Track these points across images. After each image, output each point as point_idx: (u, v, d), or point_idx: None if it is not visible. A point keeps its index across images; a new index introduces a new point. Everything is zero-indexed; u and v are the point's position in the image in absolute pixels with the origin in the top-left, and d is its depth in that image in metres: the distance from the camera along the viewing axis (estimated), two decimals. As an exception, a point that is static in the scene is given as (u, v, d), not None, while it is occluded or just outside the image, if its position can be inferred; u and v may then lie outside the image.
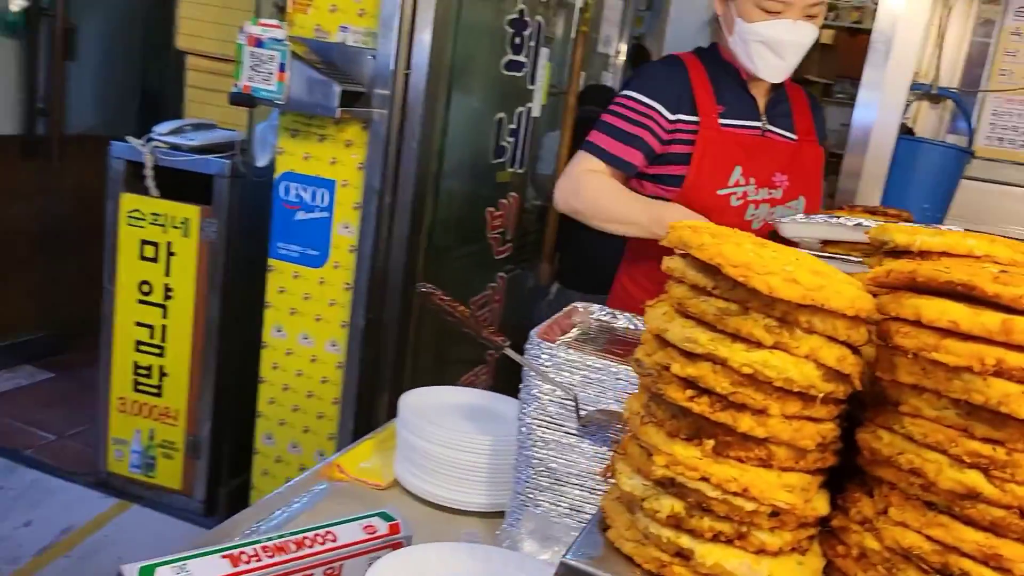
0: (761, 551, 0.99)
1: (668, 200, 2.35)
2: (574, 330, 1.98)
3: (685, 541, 1.00)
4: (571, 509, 1.76)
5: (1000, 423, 0.89)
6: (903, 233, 1.18)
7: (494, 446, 1.94)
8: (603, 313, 2.09)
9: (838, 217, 2.00)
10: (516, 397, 2.13)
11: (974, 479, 0.89)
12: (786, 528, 1.00)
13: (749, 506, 0.97)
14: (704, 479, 0.98)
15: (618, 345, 1.96)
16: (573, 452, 1.73)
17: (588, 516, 1.75)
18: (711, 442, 0.99)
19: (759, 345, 0.96)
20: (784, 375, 0.95)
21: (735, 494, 0.97)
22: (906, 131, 3.12)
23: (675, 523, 1.01)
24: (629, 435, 1.10)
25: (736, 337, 0.97)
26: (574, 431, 1.73)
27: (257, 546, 1.52)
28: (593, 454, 1.72)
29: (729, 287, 0.98)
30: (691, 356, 1.00)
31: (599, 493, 1.73)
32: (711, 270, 0.99)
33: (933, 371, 0.93)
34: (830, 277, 0.98)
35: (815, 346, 0.96)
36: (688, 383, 1.00)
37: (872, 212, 2.22)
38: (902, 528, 0.94)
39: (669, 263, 1.06)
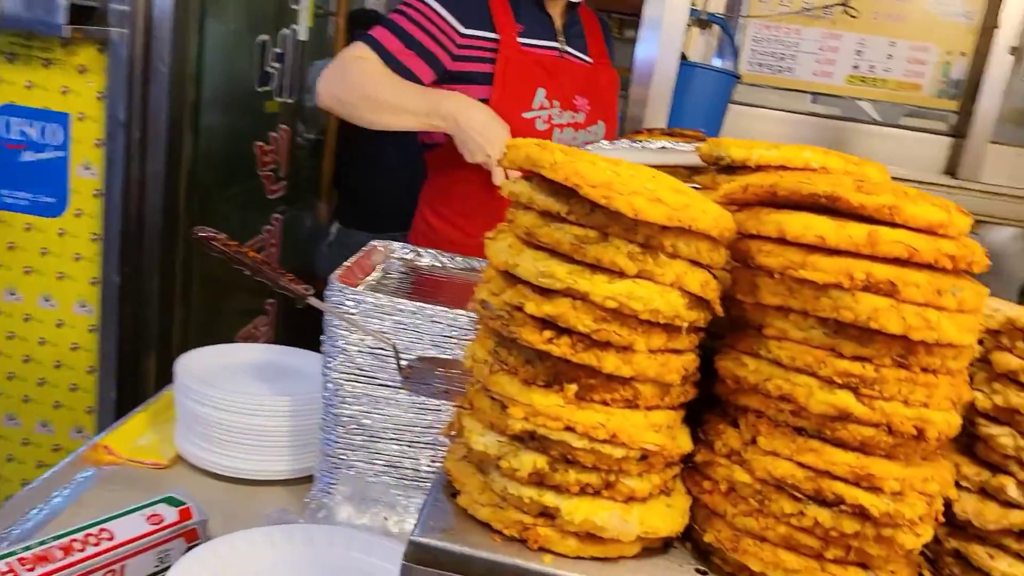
0: (631, 499, 0.91)
1: None
2: (376, 272, 1.80)
3: (549, 499, 0.89)
4: (388, 466, 1.61)
5: (868, 340, 0.85)
6: (739, 147, 1.13)
7: (293, 406, 1.73)
8: (405, 251, 1.93)
9: (641, 141, 1.97)
10: (313, 350, 1.93)
11: (845, 400, 0.85)
12: (654, 471, 0.92)
13: (618, 452, 0.87)
14: (569, 428, 0.87)
15: (427, 285, 1.81)
16: (388, 405, 1.57)
17: (407, 472, 1.61)
18: (573, 387, 0.88)
19: (622, 275, 0.86)
20: (650, 306, 0.85)
21: (603, 441, 0.87)
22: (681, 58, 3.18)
23: (537, 480, 0.89)
24: (476, 387, 0.96)
25: (597, 268, 0.86)
26: (388, 383, 1.57)
27: (12, 560, 1.23)
28: (410, 405, 1.58)
29: (586, 211, 0.86)
30: (547, 293, 0.87)
31: (418, 447, 1.60)
32: (564, 193, 0.86)
33: (799, 290, 0.87)
34: (693, 196, 0.88)
35: (680, 272, 0.87)
36: (545, 323, 0.87)
37: (669, 134, 2.22)
38: (773, 457, 0.89)
39: (512, 187, 0.92)
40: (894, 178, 3.50)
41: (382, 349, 1.53)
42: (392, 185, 3.79)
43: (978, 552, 0.93)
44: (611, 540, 0.90)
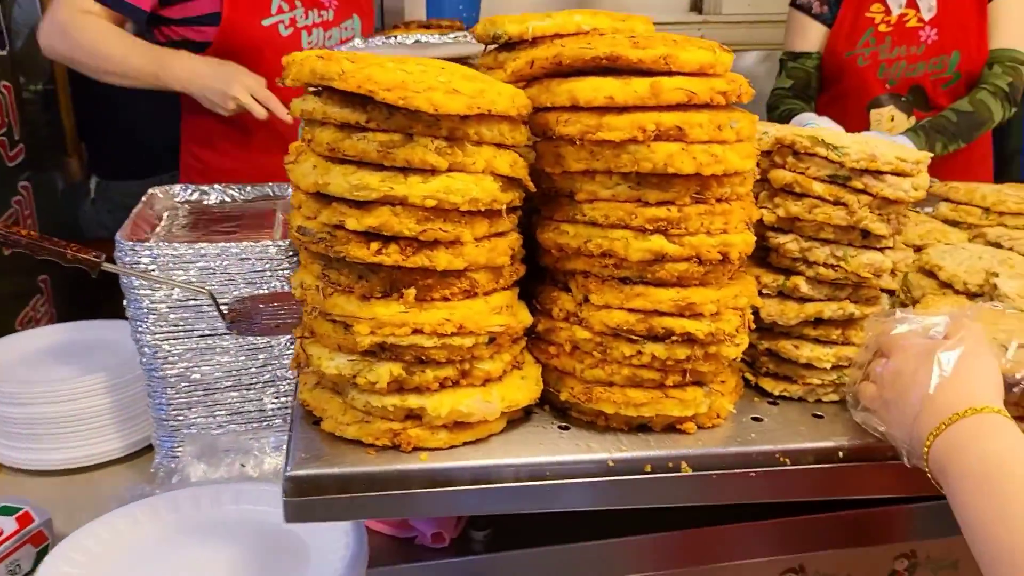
0: (487, 380, 0.95)
1: (207, 45, 2.06)
2: (163, 221, 1.69)
3: (413, 401, 0.91)
4: (231, 415, 1.57)
5: (668, 184, 0.92)
6: (513, 22, 1.14)
7: (110, 381, 1.62)
8: (189, 192, 1.81)
9: (395, 36, 1.93)
10: (110, 317, 1.80)
11: (658, 243, 0.93)
12: (504, 350, 0.96)
13: (468, 342, 0.90)
14: (417, 331, 0.88)
15: (222, 223, 1.72)
16: (215, 354, 1.51)
17: (253, 415, 1.58)
18: (412, 291, 0.89)
19: (434, 172, 0.86)
20: (469, 196, 0.87)
21: (452, 335, 0.89)
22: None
23: (397, 387, 0.91)
24: (313, 314, 0.95)
25: (408, 170, 0.86)
26: (209, 332, 1.50)
27: None
28: (238, 349, 1.52)
29: (385, 116, 0.85)
30: (364, 205, 0.86)
31: (257, 388, 1.56)
32: (359, 101, 0.85)
33: (600, 151, 0.92)
34: (486, 80, 0.89)
35: (488, 157, 0.89)
36: (369, 235, 0.87)
37: (426, 27, 2.19)
38: (606, 310, 0.96)
39: (303, 105, 0.89)
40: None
41: (194, 300, 1.45)
42: (146, 125, 3.46)
43: (785, 346, 1.07)
44: (479, 423, 0.94)
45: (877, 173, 1.00)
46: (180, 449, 1.54)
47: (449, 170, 0.87)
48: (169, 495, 1.20)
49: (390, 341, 0.89)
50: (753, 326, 1.05)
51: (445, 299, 0.91)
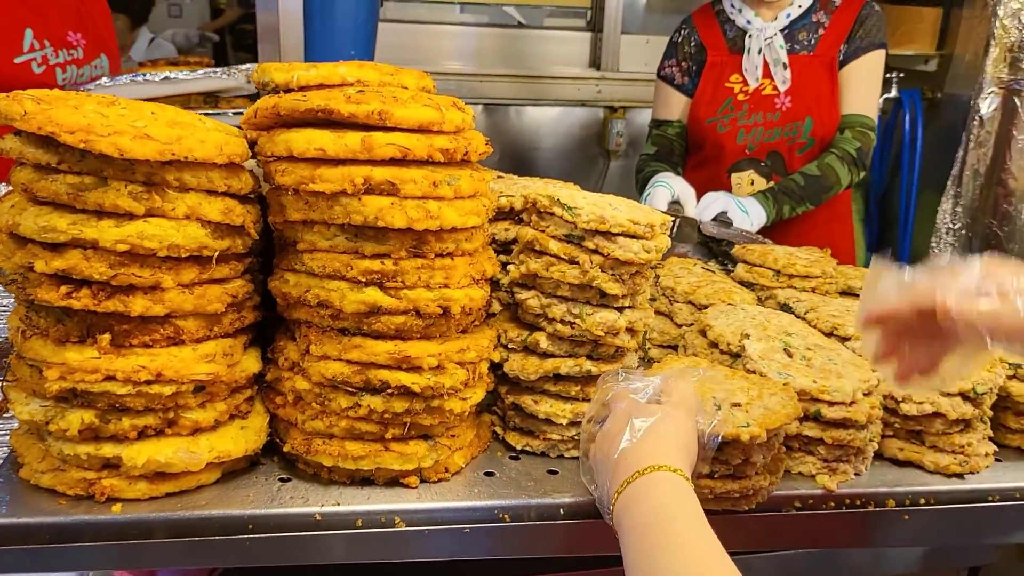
0: (197, 430, 0.93)
1: None
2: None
3: (108, 449, 0.89)
4: None
5: (383, 237, 0.93)
6: (280, 71, 1.15)
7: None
8: None
9: (144, 74, 1.95)
10: None
11: (373, 295, 0.93)
12: (218, 399, 0.95)
13: (168, 390, 0.89)
14: (109, 378, 0.87)
15: None
16: None
17: None
18: (107, 336, 0.87)
19: (130, 216, 0.85)
20: (167, 242, 0.86)
21: (148, 382, 0.88)
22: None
23: (92, 435, 0.89)
24: (14, 356, 0.92)
25: (101, 213, 0.85)
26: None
27: None
28: None
29: (77, 158, 0.84)
30: (55, 247, 0.85)
31: None
32: (51, 142, 0.84)
33: (315, 202, 0.92)
34: (192, 127, 0.89)
35: (193, 204, 0.88)
36: (61, 278, 0.85)
37: (174, 63, 2.20)
38: (325, 361, 0.95)
39: (2, 144, 0.87)
40: (547, 76, 3.71)
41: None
42: None
43: (527, 400, 1.08)
44: (183, 474, 0.92)
45: (608, 234, 1.02)
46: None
47: (147, 215, 0.86)
48: None
49: (81, 387, 0.86)
50: (491, 381, 1.05)
51: (146, 345, 0.89)
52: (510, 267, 1.09)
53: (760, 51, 2.39)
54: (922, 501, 1.09)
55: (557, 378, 1.07)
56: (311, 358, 0.96)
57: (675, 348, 1.40)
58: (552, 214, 1.04)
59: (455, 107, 0.98)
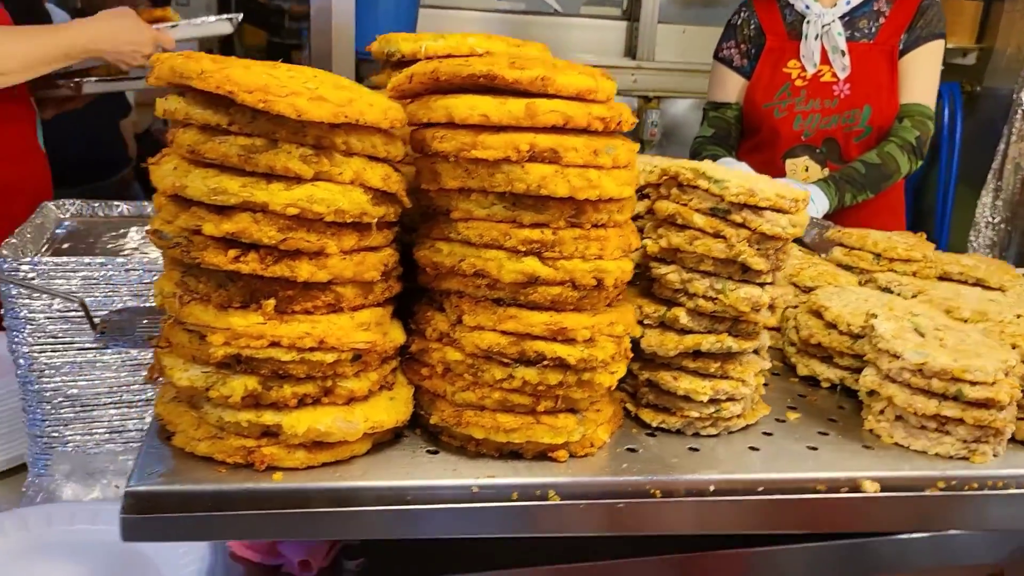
0: (352, 400, 0.92)
1: None
2: (52, 232, 1.62)
3: (268, 417, 0.87)
4: (111, 432, 1.49)
5: (543, 206, 0.91)
6: (407, 41, 1.13)
7: (-17, 393, 1.53)
8: (86, 207, 1.75)
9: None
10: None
11: (532, 265, 0.91)
12: (371, 369, 0.93)
13: (329, 357, 0.87)
14: (274, 344, 0.85)
15: (110, 235, 1.66)
16: (95, 369, 1.44)
17: (133, 435, 1.51)
18: (271, 302, 0.86)
19: (299, 180, 0.84)
20: (335, 207, 0.85)
21: (312, 349, 0.86)
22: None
23: (253, 402, 0.87)
24: (170, 322, 0.91)
25: (271, 176, 0.83)
26: (89, 345, 1.44)
27: None
28: (121, 365, 1.46)
29: (248, 119, 0.82)
30: (224, 210, 0.83)
31: (139, 405, 1.49)
32: (222, 102, 0.82)
33: (475, 170, 0.90)
34: (358, 90, 0.88)
35: (358, 169, 0.87)
36: (228, 242, 0.84)
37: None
38: (479, 331, 0.94)
39: (166, 104, 0.86)
40: (583, 65, 3.65)
41: (74, 311, 1.39)
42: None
43: (664, 377, 1.06)
44: (339, 443, 0.91)
45: (756, 208, 1.00)
46: (52, 467, 1.46)
47: (315, 179, 0.84)
48: (19, 511, 1.13)
49: (246, 353, 0.85)
50: (631, 355, 1.04)
51: (307, 312, 0.88)
52: (646, 241, 1.08)
53: (818, 37, 2.38)
54: (1061, 483, 1.08)
55: (696, 355, 1.06)
56: (463, 328, 0.95)
57: (777, 329, 1.39)
58: (696, 187, 1.03)
59: (604, 76, 0.96)
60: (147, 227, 0.90)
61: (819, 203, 2.18)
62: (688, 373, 1.06)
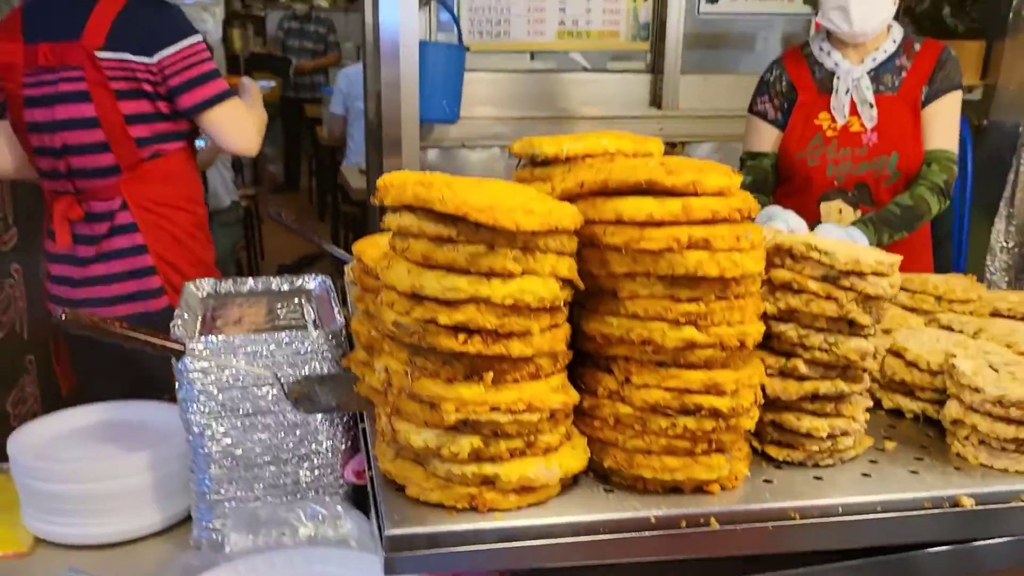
0: (547, 450, 1.12)
1: None
2: (201, 312, 1.83)
3: (488, 469, 1.08)
4: (269, 487, 1.69)
5: (696, 285, 1.12)
6: (550, 144, 1.34)
7: (153, 460, 1.73)
8: (213, 285, 1.95)
9: None
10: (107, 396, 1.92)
11: (689, 332, 1.12)
12: (560, 423, 1.13)
13: (535, 417, 1.08)
14: (495, 409, 1.05)
15: (247, 311, 1.87)
16: (256, 431, 1.64)
17: (289, 487, 1.70)
18: (490, 374, 1.06)
19: (511, 276, 1.04)
20: (539, 296, 1.05)
21: (522, 411, 1.06)
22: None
23: (476, 457, 1.07)
24: (400, 395, 1.11)
25: (491, 274, 1.04)
26: (252, 412, 1.63)
27: None
28: (277, 427, 1.66)
29: (473, 231, 1.03)
30: (452, 303, 1.04)
31: (293, 463, 1.69)
32: (451, 219, 1.03)
33: (641, 258, 1.11)
34: (551, 202, 1.09)
35: (553, 263, 1.08)
36: (456, 329, 1.04)
37: None
38: (646, 389, 1.14)
39: (400, 221, 1.07)
40: (611, 116, 3.98)
41: (241, 382, 1.59)
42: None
43: (788, 418, 1.27)
44: (540, 487, 1.11)
45: (860, 274, 1.21)
46: (220, 521, 1.65)
47: (523, 274, 1.05)
48: (244, 561, 1.32)
49: (472, 418, 1.05)
50: (762, 401, 1.24)
51: (516, 381, 1.08)
52: (765, 304, 1.28)
53: (847, 91, 2.61)
54: None
55: (814, 398, 1.26)
56: (631, 387, 1.15)
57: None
58: (808, 258, 1.24)
59: (735, 173, 1.18)
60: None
61: (861, 243, 2.40)
62: (807, 414, 1.27)
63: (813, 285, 1.23)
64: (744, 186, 2.72)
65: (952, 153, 2.60)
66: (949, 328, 1.63)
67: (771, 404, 1.29)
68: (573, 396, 1.17)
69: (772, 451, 1.29)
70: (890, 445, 1.36)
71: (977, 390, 1.29)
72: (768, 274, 1.29)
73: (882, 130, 2.61)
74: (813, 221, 2.52)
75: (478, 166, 4.00)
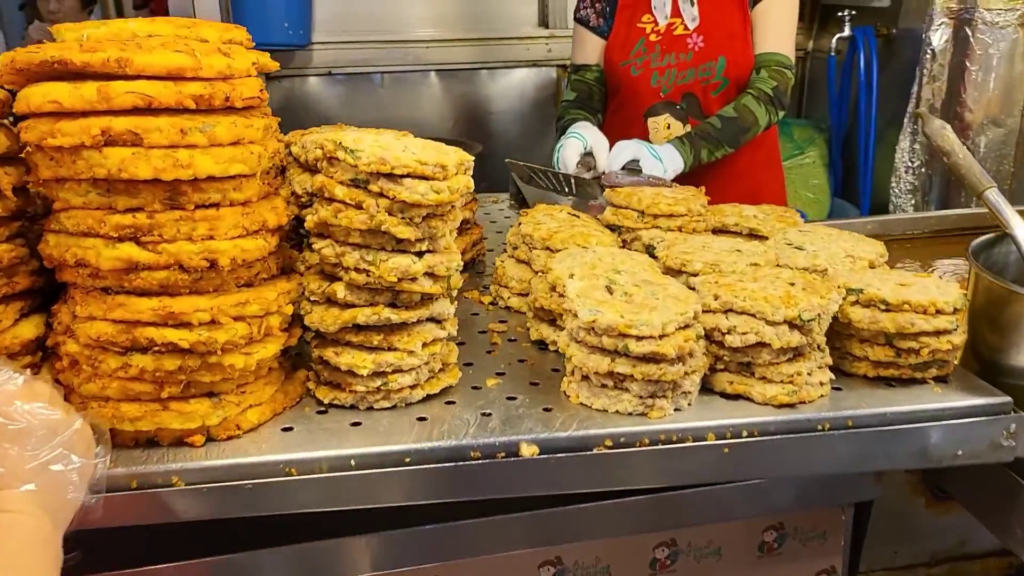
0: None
1: None
2: None
3: None
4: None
5: (135, 191, 0.90)
6: (72, 30, 1.10)
7: None
8: None
9: None
10: None
11: (128, 250, 0.90)
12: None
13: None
14: None
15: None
16: None
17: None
18: None
19: None
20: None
21: None
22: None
23: None
24: None
25: None
26: None
27: None
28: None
29: None
30: None
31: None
32: None
33: (60, 158, 0.89)
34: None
35: (-70, 167, 0.86)
36: None
37: None
38: (90, 321, 0.93)
39: None
40: (496, 38, 3.66)
41: None
42: None
43: (329, 353, 1.05)
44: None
45: (392, 176, 0.98)
46: None
47: None
48: None
49: None
50: (289, 336, 1.02)
51: None
52: (307, 217, 1.06)
53: None
54: (744, 434, 1.05)
55: (358, 328, 1.04)
56: (79, 320, 0.94)
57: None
58: (337, 159, 1.01)
59: (219, 52, 0.94)
60: None
61: (670, 162, 2.13)
62: (352, 347, 1.05)
63: (340, 191, 1.00)
64: (568, 103, 2.51)
65: (785, 57, 2.31)
66: (651, 247, 1.39)
67: (322, 338, 1.08)
68: (21, 332, 0.96)
69: (321, 393, 1.07)
70: (492, 383, 1.15)
71: (575, 315, 1.06)
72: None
73: (707, 32, 2.32)
74: (643, 140, 2.26)
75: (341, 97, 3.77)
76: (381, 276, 1.01)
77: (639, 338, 1.02)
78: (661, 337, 1.02)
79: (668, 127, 2.41)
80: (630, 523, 1.17)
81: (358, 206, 1.00)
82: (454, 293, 1.11)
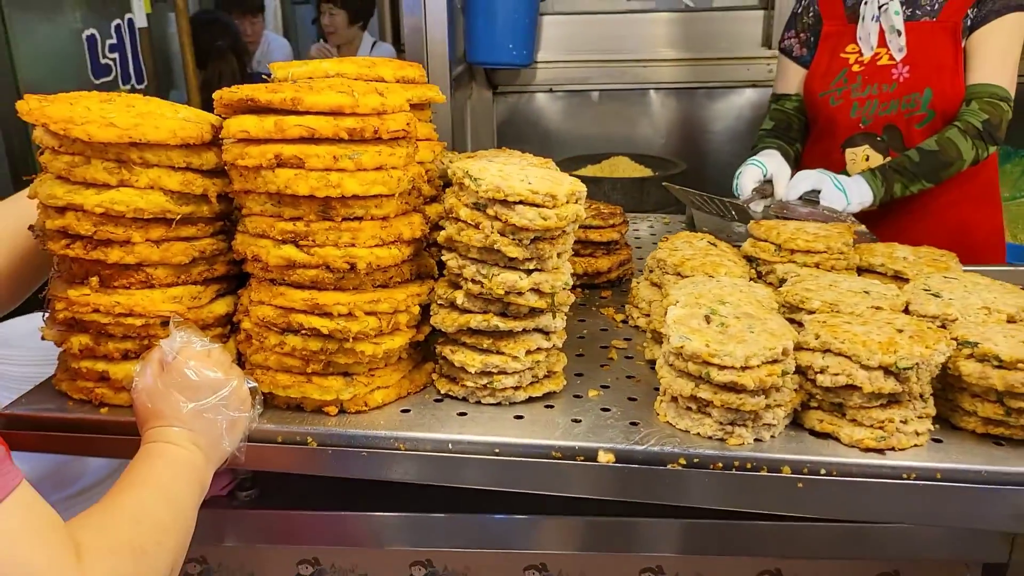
0: (164, 356, 1.18)
1: None
2: None
3: (101, 366, 1.17)
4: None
5: (297, 203, 1.12)
6: (280, 68, 1.37)
7: None
8: None
9: None
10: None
11: (289, 251, 1.12)
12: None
13: (138, 321, 1.15)
14: (96, 311, 1.14)
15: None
16: None
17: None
18: (95, 279, 1.15)
19: (107, 186, 1.12)
20: (133, 206, 1.11)
21: (123, 315, 1.14)
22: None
23: (90, 354, 1.17)
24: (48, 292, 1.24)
25: (87, 184, 1.12)
26: None
27: None
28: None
29: (71, 143, 1.11)
30: (61, 210, 1.13)
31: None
32: (55, 133, 1.12)
33: (247, 175, 1.13)
34: (152, 115, 1.14)
35: (155, 177, 1.13)
36: (63, 233, 1.14)
37: None
38: (260, 305, 1.16)
39: (35, 134, 1.18)
40: (715, 58, 3.75)
41: None
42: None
43: (447, 350, 1.21)
44: (156, 388, 1.18)
45: (506, 202, 1.12)
46: None
47: (119, 185, 1.12)
48: None
49: (78, 316, 1.15)
50: (418, 332, 1.20)
51: (125, 287, 1.16)
52: (441, 232, 1.23)
53: (875, 18, 2.25)
54: (822, 471, 1.07)
55: (472, 332, 1.20)
56: (252, 303, 1.18)
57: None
58: (464, 185, 1.17)
59: (375, 92, 1.14)
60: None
61: (856, 195, 2.08)
62: (466, 347, 1.20)
63: (464, 213, 1.16)
64: (765, 132, 2.51)
65: (1001, 89, 2.15)
66: (784, 281, 1.41)
67: (444, 336, 1.24)
68: (216, 309, 1.22)
69: (440, 384, 1.24)
70: (593, 394, 1.25)
71: (669, 339, 1.14)
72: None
73: (914, 62, 2.22)
74: (841, 171, 2.23)
75: (561, 112, 3.96)
76: (491, 288, 1.15)
77: (721, 367, 1.08)
78: (744, 369, 1.07)
79: (867, 159, 2.33)
80: (735, 546, 1.22)
81: (476, 226, 1.15)
82: (565, 309, 1.23)
